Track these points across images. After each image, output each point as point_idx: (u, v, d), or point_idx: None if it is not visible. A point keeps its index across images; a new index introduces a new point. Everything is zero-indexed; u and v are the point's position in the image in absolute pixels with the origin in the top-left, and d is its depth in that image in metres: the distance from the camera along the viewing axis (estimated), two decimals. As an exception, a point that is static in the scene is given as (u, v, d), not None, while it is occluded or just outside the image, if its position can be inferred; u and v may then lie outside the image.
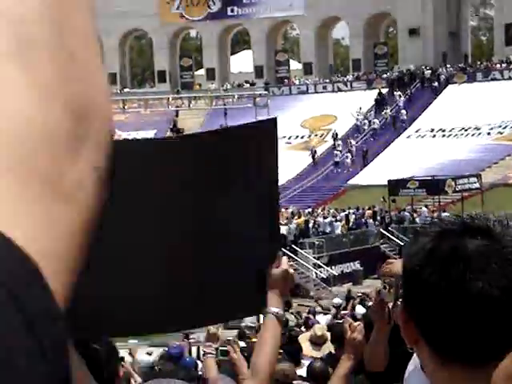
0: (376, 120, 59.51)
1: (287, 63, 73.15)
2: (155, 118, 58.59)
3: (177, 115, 60.07)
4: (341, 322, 15.03)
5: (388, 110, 60.59)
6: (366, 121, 60.01)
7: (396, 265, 4.10)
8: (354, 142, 56.86)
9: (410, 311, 1.70)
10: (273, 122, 3.02)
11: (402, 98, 61.65)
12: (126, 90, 72.27)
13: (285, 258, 3.12)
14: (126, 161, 2.50)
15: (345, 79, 68.59)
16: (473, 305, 1.62)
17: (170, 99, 34.21)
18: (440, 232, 1.68)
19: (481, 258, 1.62)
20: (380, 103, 62.50)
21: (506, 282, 1.61)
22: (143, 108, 33.94)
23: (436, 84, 63.04)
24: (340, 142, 57.58)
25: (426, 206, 40.90)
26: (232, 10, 72.80)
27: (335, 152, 56.16)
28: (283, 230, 36.76)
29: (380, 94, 63.28)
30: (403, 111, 60.09)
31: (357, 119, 60.49)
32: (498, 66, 63.07)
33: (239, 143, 2.97)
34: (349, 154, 55.69)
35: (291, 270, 3.12)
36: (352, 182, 53.37)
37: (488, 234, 1.64)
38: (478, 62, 67.08)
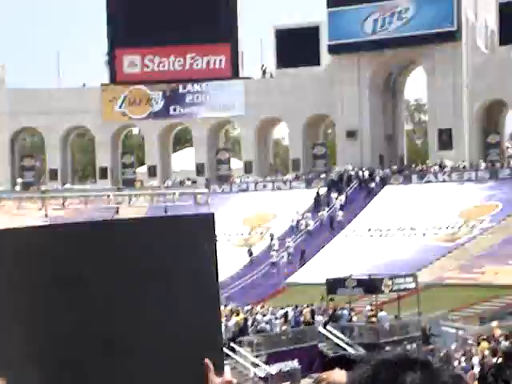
0: (311, 222, 60.20)
1: (228, 161, 74.11)
2: (95, 215, 58.57)
3: (117, 212, 60.20)
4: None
5: (325, 212, 61.43)
6: (303, 221, 60.68)
7: (333, 374, 4.14)
8: (291, 243, 57.33)
9: None
10: (210, 216, 3.06)
11: (339, 199, 62.72)
12: (66, 185, 72.29)
13: (227, 368, 2.98)
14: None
15: (284, 178, 69.69)
16: None
17: (111, 196, 34.41)
18: (381, 362, 1.75)
19: None
20: (318, 203, 63.50)
21: None
22: (83, 204, 34.05)
23: (373, 185, 64.40)
24: (276, 242, 58.05)
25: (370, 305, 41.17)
26: (174, 109, 73.91)
27: (271, 253, 56.46)
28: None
29: (318, 194, 64.33)
30: (340, 212, 61.06)
31: (292, 220, 61.18)
32: (433, 169, 64.78)
33: (172, 234, 2.84)
34: (285, 254, 56.12)
35: (234, 381, 2.98)
36: (291, 280, 53.70)
37: (427, 368, 1.71)
38: (414, 165, 68.82)
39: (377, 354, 1.82)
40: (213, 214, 3.05)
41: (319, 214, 61.25)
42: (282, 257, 55.87)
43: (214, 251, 2.94)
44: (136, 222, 2.93)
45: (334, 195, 63.39)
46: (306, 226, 60.11)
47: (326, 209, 62.03)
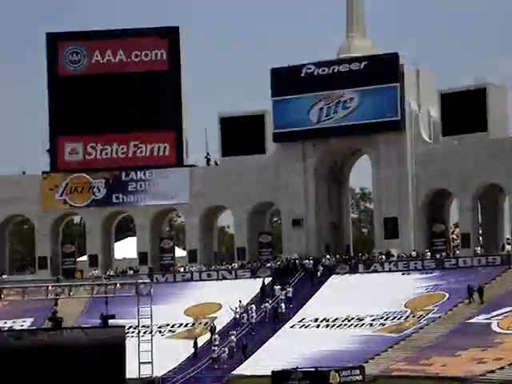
0: (254, 314, 58.94)
1: (172, 250, 73.08)
2: (34, 306, 56.86)
3: (56, 304, 58.49)
4: None
5: (268, 304, 60.26)
6: (245, 314, 59.36)
7: None
8: (233, 337, 55.84)
9: None
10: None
11: (284, 291, 61.71)
12: (4, 276, 70.45)
13: None
14: None
15: (229, 267, 68.76)
16: None
17: (50, 287, 33.20)
18: None
19: None
20: (264, 293, 62.45)
21: None
22: (21, 296, 32.76)
23: (319, 274, 63.77)
24: (217, 337, 56.41)
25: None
26: (117, 197, 72.95)
27: (212, 347, 54.78)
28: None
29: (264, 283, 63.39)
30: (282, 305, 59.91)
31: (235, 313, 59.91)
32: (379, 258, 64.55)
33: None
34: (226, 349, 54.53)
35: None
36: (235, 372, 52.34)
37: None
38: (360, 254, 68.58)
39: None
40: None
41: (262, 306, 60.05)
42: (224, 351, 54.24)
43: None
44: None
45: (277, 287, 62.29)
46: (250, 318, 58.77)
47: (270, 301, 60.92)
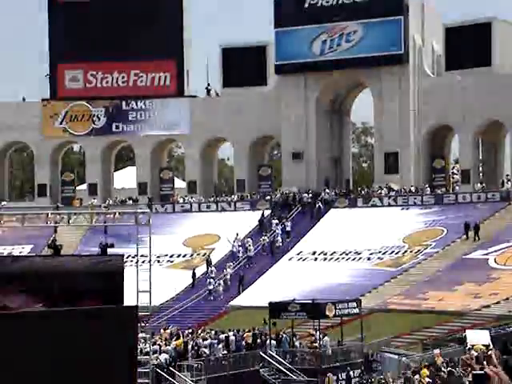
0: (251, 247, 59.15)
1: (171, 181, 73.09)
2: (33, 233, 57.16)
3: (55, 231, 58.81)
4: None
5: (266, 237, 60.42)
6: (242, 248, 59.53)
7: None
8: (229, 270, 56.11)
9: None
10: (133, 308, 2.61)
11: (282, 224, 61.82)
12: (3, 203, 70.55)
13: None
14: None
15: (229, 199, 68.82)
16: None
17: (49, 215, 33.22)
18: None
19: None
20: (262, 226, 62.60)
21: None
22: (20, 222, 32.77)
23: (318, 208, 63.87)
24: (213, 269, 56.71)
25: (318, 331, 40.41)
26: (117, 127, 72.67)
27: (208, 280, 55.03)
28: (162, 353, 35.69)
29: (263, 215, 63.54)
30: (279, 238, 60.09)
31: (233, 246, 60.10)
32: (378, 192, 64.57)
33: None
34: (221, 282, 54.83)
35: None
36: (233, 303, 52.79)
37: None
38: (359, 188, 68.60)
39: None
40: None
41: (261, 239, 60.26)
42: (219, 284, 54.54)
43: (132, 341, 2.51)
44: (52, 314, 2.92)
45: (274, 221, 62.36)
46: (247, 251, 58.98)
47: (268, 234, 61.07)
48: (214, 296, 53.92)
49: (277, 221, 62.42)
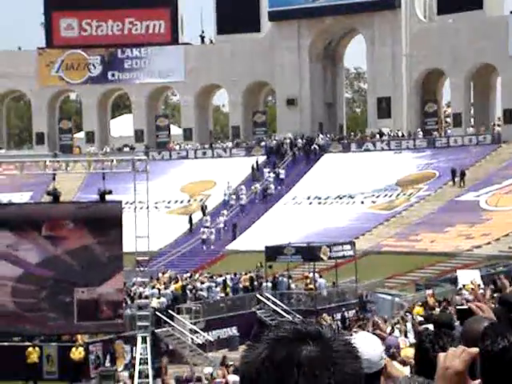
0: (244, 196, 59.75)
1: (168, 128, 73.53)
2: (32, 181, 57.78)
3: (54, 178, 59.24)
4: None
5: (258, 185, 60.93)
6: (234, 196, 60.08)
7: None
8: (222, 218, 56.49)
9: None
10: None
11: (275, 171, 62.32)
12: (2, 151, 71.08)
13: None
14: None
15: (224, 146, 69.36)
16: None
17: (47, 162, 33.78)
18: (275, 339, 1.78)
19: (312, 364, 1.72)
20: (256, 173, 63.08)
21: None
22: (19, 170, 33.36)
23: (312, 153, 64.47)
24: (208, 218, 57.37)
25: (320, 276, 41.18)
26: (113, 75, 72.91)
27: (202, 229, 55.44)
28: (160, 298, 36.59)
29: (257, 163, 63.98)
30: (272, 186, 60.64)
31: (224, 194, 60.66)
32: (371, 137, 65.13)
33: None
34: (213, 231, 55.26)
35: None
36: (230, 247, 53.67)
37: (319, 340, 1.77)
38: (353, 133, 69.11)
39: (269, 332, 1.86)
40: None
41: (253, 187, 60.74)
42: (211, 233, 55.01)
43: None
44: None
45: (266, 170, 62.75)
46: (239, 198, 59.56)
47: (262, 180, 61.65)
48: (207, 244, 54.51)
49: (269, 169, 62.87)
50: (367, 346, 4.38)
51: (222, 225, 55.93)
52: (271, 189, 60.63)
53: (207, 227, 55.59)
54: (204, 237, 54.73)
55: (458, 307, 4.63)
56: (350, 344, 1.83)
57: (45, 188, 59.83)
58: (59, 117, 76.30)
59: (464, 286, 29.92)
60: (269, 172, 62.48)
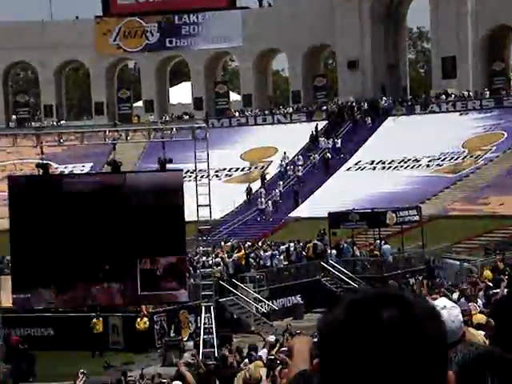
0: (300, 167, 58.69)
1: (227, 95, 72.92)
2: (92, 151, 57.74)
3: (114, 148, 59.20)
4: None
5: (317, 155, 59.80)
6: (292, 166, 59.08)
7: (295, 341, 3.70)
8: (277, 190, 55.38)
9: (325, 381, 1.70)
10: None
11: (330, 144, 61.01)
12: (62, 122, 71.29)
13: None
14: None
15: (284, 111, 68.48)
16: (385, 376, 1.64)
17: (107, 132, 33.46)
18: (354, 302, 1.72)
19: (393, 328, 1.66)
20: (315, 139, 62.05)
21: (418, 350, 1.67)
22: (79, 141, 33.10)
23: (375, 116, 63.25)
24: (263, 190, 56.11)
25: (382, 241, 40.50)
26: (170, 42, 72.40)
27: (259, 200, 54.49)
28: (222, 264, 36.17)
29: (316, 130, 62.82)
30: (328, 155, 59.46)
31: (281, 165, 59.70)
32: (436, 98, 63.61)
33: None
34: (270, 203, 54.24)
35: None
36: (293, 214, 53.03)
37: (400, 303, 1.70)
38: (417, 95, 67.61)
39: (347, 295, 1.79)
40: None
41: (311, 157, 59.59)
42: (268, 205, 54.13)
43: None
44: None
45: (321, 139, 61.38)
46: (297, 169, 58.45)
47: (318, 151, 60.34)
48: (265, 215, 53.76)
49: (324, 139, 61.58)
50: (447, 316, 4.32)
51: (277, 197, 54.99)
52: (329, 157, 59.39)
53: (263, 198, 54.81)
54: (262, 207, 54.05)
55: None
56: (432, 308, 1.77)
57: (105, 158, 59.96)
58: (118, 86, 76.23)
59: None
60: (324, 142, 61.19)
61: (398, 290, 1.75)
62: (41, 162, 28.36)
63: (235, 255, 38.24)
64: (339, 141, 61.23)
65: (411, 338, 1.68)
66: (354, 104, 65.03)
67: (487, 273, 29.42)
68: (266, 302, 34.79)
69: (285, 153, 60.21)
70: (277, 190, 55.73)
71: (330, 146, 60.68)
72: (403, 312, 1.70)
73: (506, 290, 15.92)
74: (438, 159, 56.26)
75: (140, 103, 76.40)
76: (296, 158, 59.89)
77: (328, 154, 59.52)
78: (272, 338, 21.98)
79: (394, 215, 39.03)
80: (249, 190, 56.74)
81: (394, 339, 1.67)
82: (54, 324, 31.90)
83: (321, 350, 1.73)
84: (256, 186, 58.00)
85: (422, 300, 1.77)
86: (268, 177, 59.14)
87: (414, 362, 1.66)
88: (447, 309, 4.49)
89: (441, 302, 4.74)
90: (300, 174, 58.39)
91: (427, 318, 1.74)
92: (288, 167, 59.21)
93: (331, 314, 1.74)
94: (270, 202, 54.58)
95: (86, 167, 61.55)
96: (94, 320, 30.96)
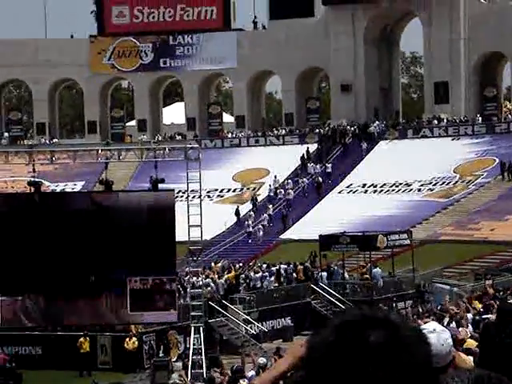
0: (291, 191, 58.54)
1: (220, 116, 73.02)
2: (84, 170, 57.68)
3: (106, 167, 59.23)
4: None
5: (305, 179, 59.63)
6: (282, 190, 58.92)
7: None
8: (266, 215, 55.23)
9: None
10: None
11: (318, 167, 60.85)
12: (54, 140, 71.20)
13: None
14: None
15: (277, 133, 68.58)
16: None
17: (100, 151, 33.42)
18: (341, 323, 1.72)
19: (381, 349, 1.67)
20: (307, 161, 61.94)
21: (405, 371, 1.67)
22: (72, 159, 33.06)
23: (367, 140, 63.37)
24: (252, 214, 56.12)
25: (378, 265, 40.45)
26: (164, 62, 72.55)
27: (246, 222, 54.39)
28: (212, 285, 36.07)
29: (308, 153, 62.76)
30: (320, 179, 59.43)
31: (270, 189, 59.58)
32: (428, 123, 63.80)
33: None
34: (260, 226, 54.26)
35: None
36: (283, 236, 52.97)
37: (387, 325, 1.71)
38: (409, 119, 67.81)
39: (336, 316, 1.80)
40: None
41: (300, 181, 59.39)
42: (259, 229, 53.84)
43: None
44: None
45: (310, 166, 61.25)
46: (286, 194, 58.23)
47: (316, 168, 60.29)
48: (252, 239, 53.63)
49: (313, 164, 61.38)
50: (436, 340, 4.31)
51: (266, 221, 54.74)
52: (320, 181, 59.05)
53: (251, 221, 54.51)
54: (250, 230, 53.75)
55: None
56: (418, 330, 1.77)
57: (97, 177, 59.88)
58: (111, 105, 76.26)
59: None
60: (313, 167, 60.81)
61: (386, 312, 1.77)
62: (33, 179, 28.33)
63: (226, 276, 38.16)
64: (330, 165, 61.12)
65: (398, 360, 1.68)
66: (346, 127, 65.15)
67: (475, 303, 29.41)
68: (256, 323, 34.67)
69: (275, 176, 60.15)
70: (265, 214, 55.47)
71: (319, 171, 60.42)
72: (390, 334, 1.71)
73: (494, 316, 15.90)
74: (430, 184, 56.37)
75: (133, 123, 76.42)
76: (286, 181, 59.77)
77: (319, 178, 59.40)
78: (262, 360, 21.90)
79: (384, 239, 38.96)
80: (237, 212, 56.62)
81: (381, 361, 1.67)
82: (43, 342, 31.72)
83: (309, 369, 1.73)
84: (247, 207, 57.95)
85: (409, 322, 1.77)
86: (260, 198, 59.12)
87: (400, 382, 1.67)
88: (437, 332, 4.46)
89: (430, 326, 4.73)
90: (290, 197, 58.23)
91: (414, 340, 1.74)
92: (278, 191, 59.04)
93: (320, 336, 1.75)
94: (259, 225, 54.40)
95: (78, 186, 61.45)
96: (81, 339, 30.78)
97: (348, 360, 1.68)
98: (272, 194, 59.13)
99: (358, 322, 1.73)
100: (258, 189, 60.61)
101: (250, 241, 53.41)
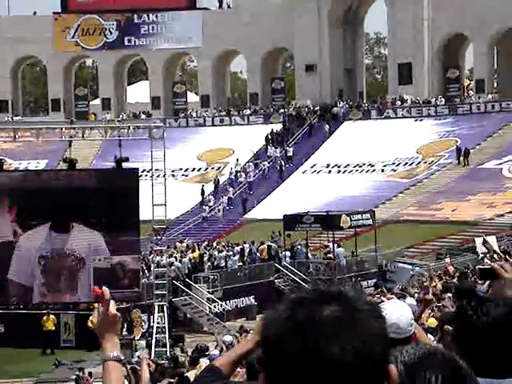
0: (251, 173, 58.38)
1: (185, 95, 72.83)
2: (48, 148, 57.36)
3: (70, 145, 59.01)
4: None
5: (266, 162, 59.55)
6: (243, 173, 58.77)
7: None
8: (225, 198, 55.22)
9: (270, 378, 1.72)
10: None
11: (278, 153, 60.80)
12: (17, 118, 70.65)
13: (112, 302, 3.13)
14: None
15: (242, 113, 68.59)
16: (327, 371, 1.66)
17: (64, 129, 33.27)
18: (296, 300, 1.75)
19: (334, 324, 1.69)
20: (273, 141, 61.97)
21: (359, 345, 1.68)
22: (35, 137, 32.90)
23: (331, 121, 63.60)
24: (211, 197, 56.20)
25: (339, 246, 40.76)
26: (129, 40, 72.13)
27: (204, 206, 54.41)
28: (177, 263, 36.18)
29: (272, 133, 62.79)
30: (281, 161, 58.98)
31: (230, 173, 59.59)
32: (391, 104, 64.16)
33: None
34: (220, 207, 54.07)
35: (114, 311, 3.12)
36: (248, 216, 53.14)
37: (341, 299, 1.73)
38: (373, 100, 68.13)
39: (291, 293, 1.83)
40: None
41: (261, 164, 59.17)
42: (218, 210, 53.69)
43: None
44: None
45: (271, 150, 61.10)
46: (247, 177, 58.22)
47: (275, 152, 60.14)
48: (210, 221, 53.65)
49: (273, 147, 61.36)
50: (396, 311, 4.44)
51: (225, 204, 54.74)
52: (278, 165, 58.82)
53: (208, 206, 54.44)
54: (204, 214, 53.61)
55: (480, 267, 4.33)
56: (372, 304, 1.79)
57: (61, 155, 59.58)
58: (75, 83, 75.72)
59: (485, 254, 29.21)
60: (274, 151, 60.72)
61: (343, 287, 1.78)
62: (-5, 157, 28.15)
63: (190, 255, 38.28)
64: (291, 149, 61.02)
65: (352, 333, 1.70)
66: (310, 107, 65.33)
67: (436, 280, 29.72)
68: (220, 302, 34.86)
69: (237, 159, 60.10)
70: (225, 197, 55.48)
71: (278, 155, 60.29)
72: (344, 308, 1.73)
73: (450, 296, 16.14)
74: (393, 164, 56.78)
75: (97, 101, 76.00)
76: (247, 164, 59.72)
77: (281, 161, 59.26)
78: (228, 338, 22.03)
79: (348, 218, 39.26)
80: (202, 191, 56.66)
81: (334, 335, 1.69)
82: (5, 320, 31.66)
83: (265, 346, 1.75)
84: (211, 187, 57.97)
85: (363, 295, 1.80)
86: (223, 179, 59.08)
87: (354, 356, 1.68)
88: (397, 304, 4.61)
89: (391, 301, 4.92)
90: (251, 179, 58.19)
91: (367, 313, 1.77)
92: (238, 174, 58.93)
93: (275, 312, 1.77)
94: (219, 207, 54.37)
95: (41, 164, 61.08)
96: (45, 317, 30.78)
97: (301, 335, 1.70)
98: (233, 177, 59.02)
99: (312, 298, 1.75)
100: (223, 168, 60.65)
101: (204, 224, 53.10)
